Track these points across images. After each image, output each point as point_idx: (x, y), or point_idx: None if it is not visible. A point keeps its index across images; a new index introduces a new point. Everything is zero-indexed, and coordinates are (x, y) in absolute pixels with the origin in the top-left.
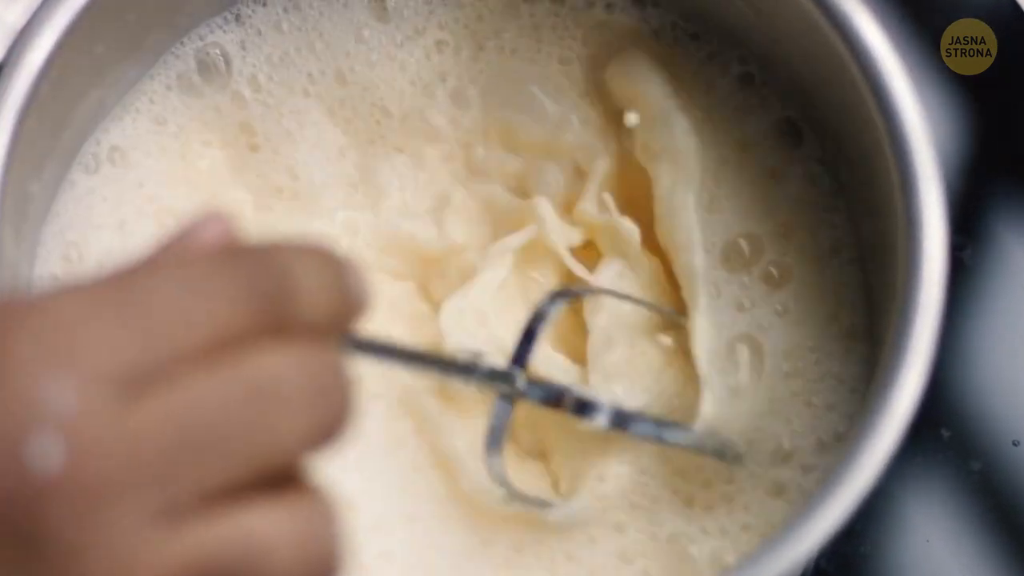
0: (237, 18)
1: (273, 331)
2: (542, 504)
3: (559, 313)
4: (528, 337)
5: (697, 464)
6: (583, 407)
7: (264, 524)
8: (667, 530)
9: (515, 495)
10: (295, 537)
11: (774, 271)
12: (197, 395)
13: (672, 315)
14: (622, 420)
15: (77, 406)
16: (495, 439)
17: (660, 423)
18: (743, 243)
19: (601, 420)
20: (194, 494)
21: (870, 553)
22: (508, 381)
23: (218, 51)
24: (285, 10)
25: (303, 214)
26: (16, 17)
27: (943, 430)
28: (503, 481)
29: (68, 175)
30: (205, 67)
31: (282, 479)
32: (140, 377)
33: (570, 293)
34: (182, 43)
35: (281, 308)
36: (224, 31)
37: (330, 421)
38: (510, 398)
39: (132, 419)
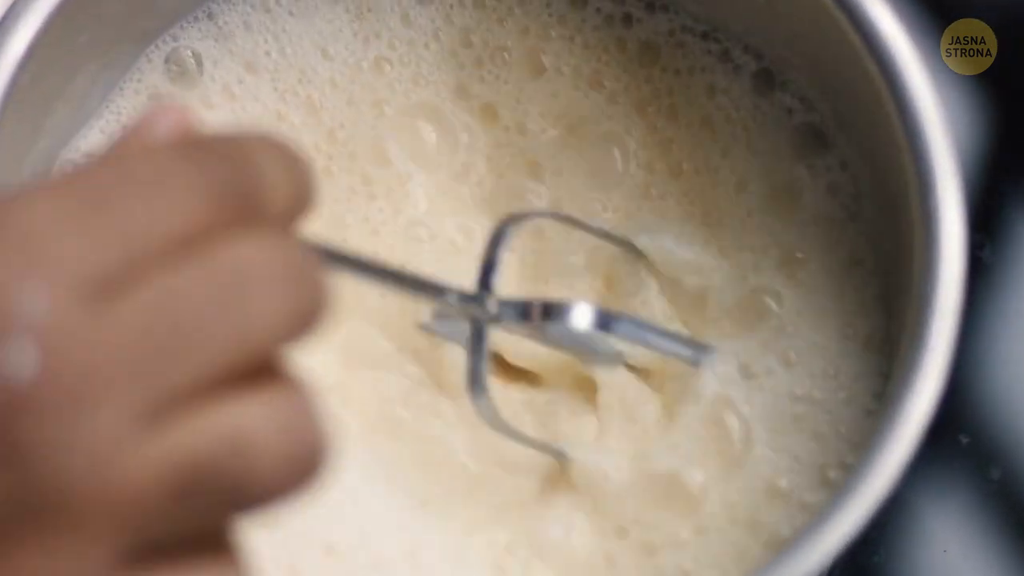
0: (209, 15)
1: (239, 223)
2: (543, 446)
3: (518, 234)
4: (490, 261)
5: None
6: (553, 311)
7: (248, 416)
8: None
9: (512, 435)
10: (281, 427)
11: (788, 290)
12: (169, 289)
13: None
14: (603, 320)
15: (50, 312)
16: (477, 376)
17: (641, 323)
18: (762, 274)
19: (579, 321)
20: (175, 391)
21: (885, 563)
22: (479, 303)
23: (189, 52)
24: (253, 8)
25: None
26: None
27: (961, 436)
28: (495, 420)
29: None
30: (179, 69)
31: (262, 371)
32: (111, 278)
33: (525, 216)
34: (156, 46)
35: (247, 198)
36: (199, 30)
37: (306, 307)
38: (483, 324)
39: (106, 320)
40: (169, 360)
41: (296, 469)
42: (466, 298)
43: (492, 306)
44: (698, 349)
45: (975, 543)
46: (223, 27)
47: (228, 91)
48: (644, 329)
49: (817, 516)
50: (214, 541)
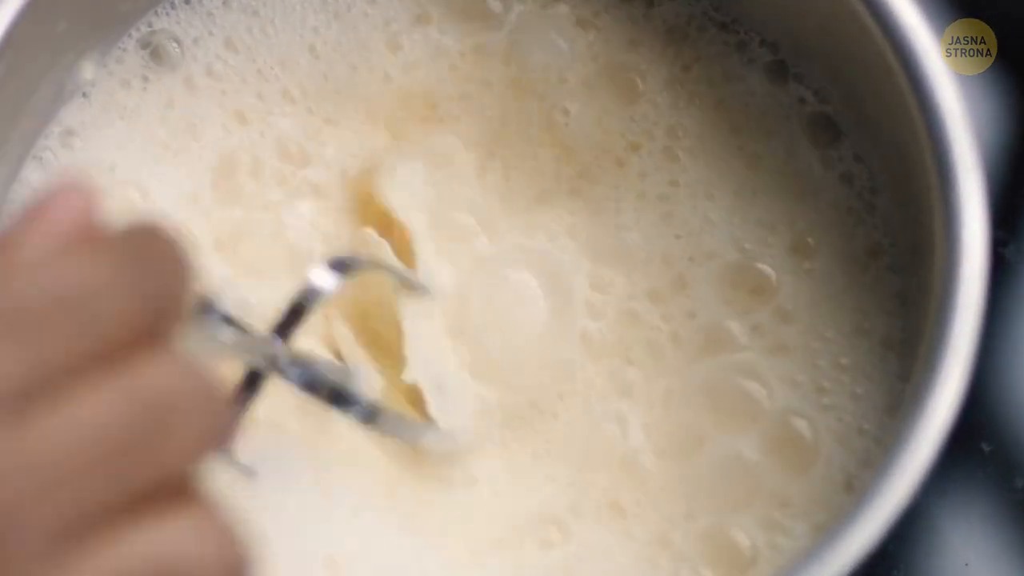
0: (187, 1)
1: (154, 335)
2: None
3: (337, 290)
4: (295, 312)
5: None
6: (340, 399)
7: (171, 535)
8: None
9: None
10: (204, 543)
11: (805, 273)
12: (89, 410)
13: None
14: (372, 418)
15: None
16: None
17: (404, 422)
18: (769, 250)
19: (355, 415)
20: (96, 512)
21: None
22: (267, 351)
23: (167, 36)
24: None
25: (258, 198)
26: None
27: (984, 444)
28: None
29: (19, 174)
30: (157, 53)
31: (176, 487)
32: (23, 397)
33: (351, 264)
34: (129, 35)
35: (158, 310)
36: (179, 14)
37: (220, 425)
38: (261, 374)
39: (22, 441)
40: (88, 483)
41: None
42: (254, 338)
43: (283, 358)
44: (421, 430)
45: (998, 556)
46: (199, 9)
47: (208, 74)
48: (406, 428)
49: (832, 529)
50: None
